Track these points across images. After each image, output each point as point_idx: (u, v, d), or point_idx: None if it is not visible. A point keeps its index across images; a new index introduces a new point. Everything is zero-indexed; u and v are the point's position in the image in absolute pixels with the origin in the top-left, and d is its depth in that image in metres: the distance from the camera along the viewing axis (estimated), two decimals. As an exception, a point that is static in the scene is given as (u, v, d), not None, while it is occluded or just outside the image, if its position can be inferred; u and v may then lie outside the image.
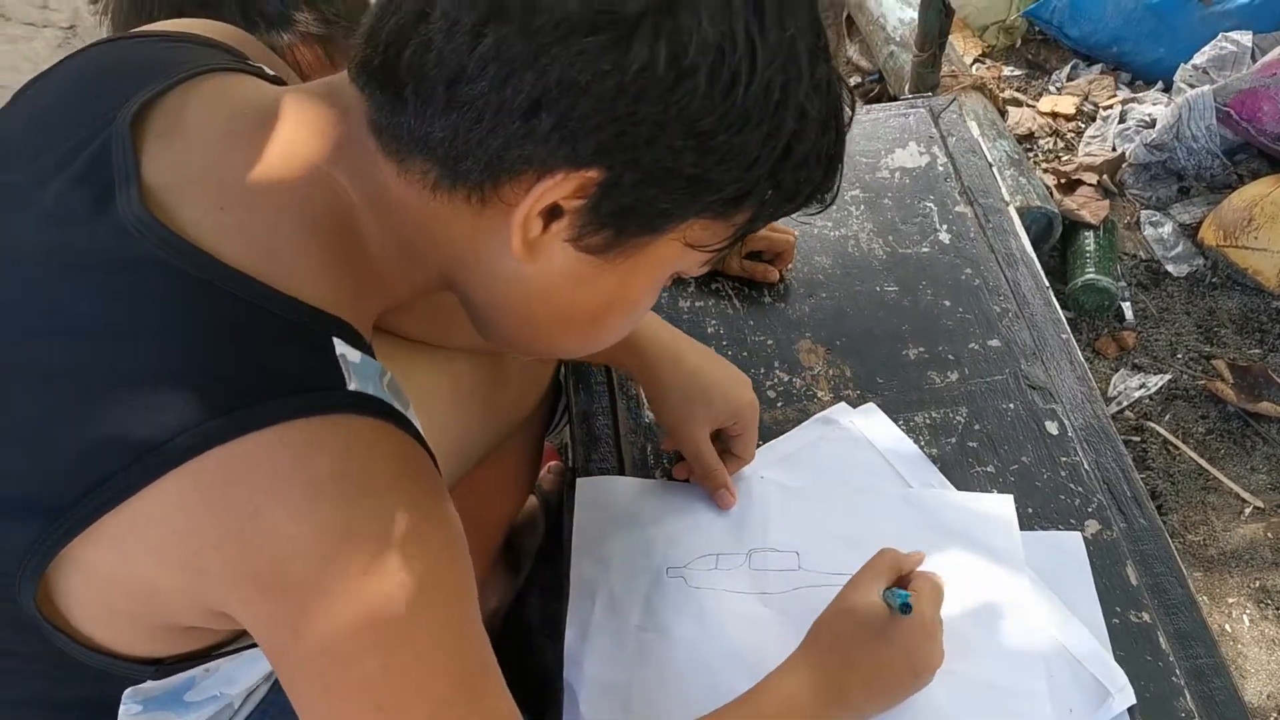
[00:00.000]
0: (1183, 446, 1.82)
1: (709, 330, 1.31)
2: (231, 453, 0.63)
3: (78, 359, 0.66)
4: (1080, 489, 1.16)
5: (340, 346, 0.69)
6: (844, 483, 1.16)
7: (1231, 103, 2.10)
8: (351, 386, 0.67)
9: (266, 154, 0.71)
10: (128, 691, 0.76)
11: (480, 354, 1.13)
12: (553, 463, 1.76)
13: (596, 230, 0.69)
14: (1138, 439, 1.84)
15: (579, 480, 1.17)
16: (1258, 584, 1.65)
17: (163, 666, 0.75)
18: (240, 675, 0.84)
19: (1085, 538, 1.11)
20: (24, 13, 2.91)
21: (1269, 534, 1.69)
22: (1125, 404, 1.88)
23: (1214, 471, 1.77)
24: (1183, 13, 2.28)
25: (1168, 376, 1.91)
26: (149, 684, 0.76)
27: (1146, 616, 1.06)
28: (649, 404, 1.16)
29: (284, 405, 0.64)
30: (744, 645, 1.04)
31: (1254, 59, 2.20)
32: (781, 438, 1.20)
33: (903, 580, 0.98)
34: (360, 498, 0.65)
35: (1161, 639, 1.04)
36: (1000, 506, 1.13)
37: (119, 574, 0.66)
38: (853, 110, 0.74)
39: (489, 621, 1.47)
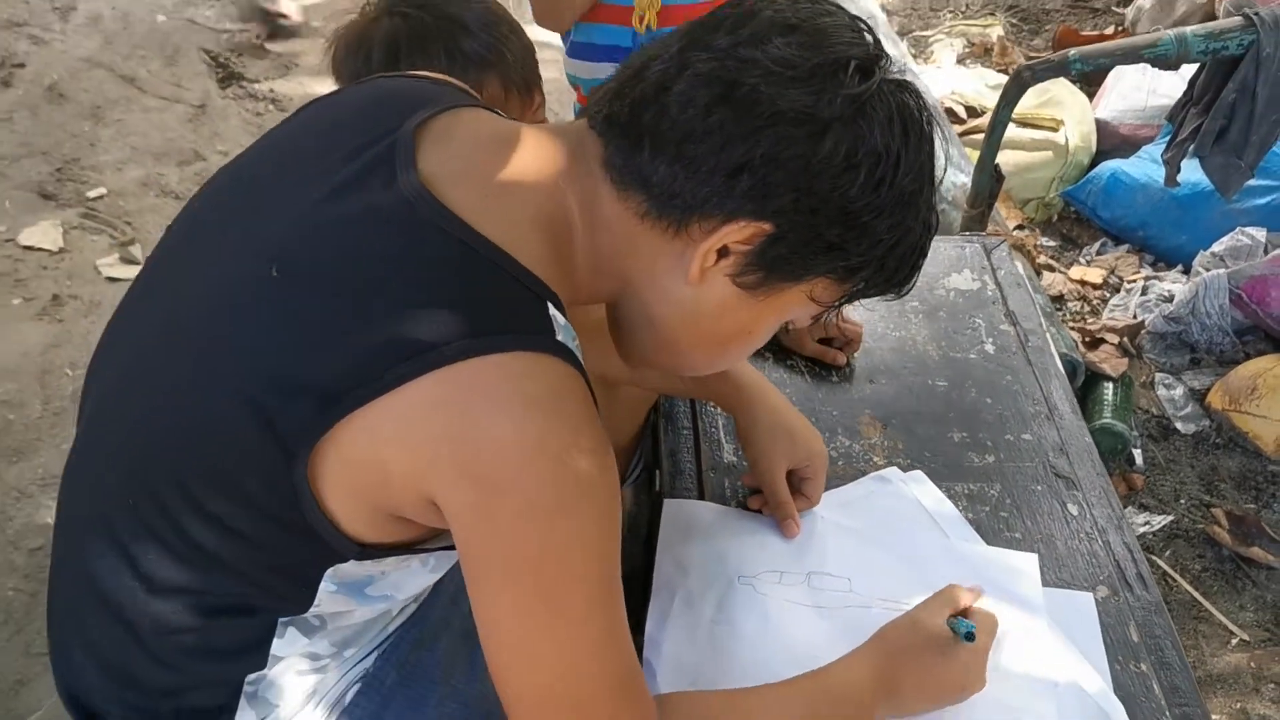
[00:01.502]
0: (1180, 580, 1.99)
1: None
2: (472, 367, 0.81)
3: (366, 284, 0.85)
4: (1095, 560, 1.34)
5: (553, 310, 0.88)
6: (892, 529, 1.35)
7: (1244, 287, 2.35)
8: (559, 338, 0.86)
9: (518, 165, 0.93)
10: (329, 570, 0.92)
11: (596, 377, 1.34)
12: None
13: (753, 271, 0.91)
14: (1140, 568, 2.02)
15: (666, 500, 1.36)
16: (1239, 706, 1.80)
17: (365, 550, 0.91)
18: (407, 584, 1.01)
19: (1095, 599, 1.29)
20: (160, 89, 3.22)
21: (1252, 664, 1.86)
22: (1130, 537, 2.07)
23: (1206, 604, 1.95)
24: (1205, 207, 2.55)
25: (1170, 518, 2.10)
26: (349, 565, 0.92)
27: (1144, 668, 1.23)
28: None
29: (514, 339, 0.83)
30: (799, 643, 1.21)
31: (1266, 252, 2.45)
32: (842, 488, 1.39)
33: (964, 612, 1.16)
34: (559, 419, 0.83)
35: (1155, 687, 1.22)
36: (1026, 562, 1.31)
37: (366, 455, 0.83)
38: (934, 231, 0.98)
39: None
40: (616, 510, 0.88)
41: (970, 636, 1.10)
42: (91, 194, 2.83)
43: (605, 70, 1.91)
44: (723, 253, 0.91)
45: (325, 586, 0.94)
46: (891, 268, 0.94)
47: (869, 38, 0.91)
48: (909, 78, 0.95)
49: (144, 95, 3.20)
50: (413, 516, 0.89)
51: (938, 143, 0.95)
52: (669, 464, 1.43)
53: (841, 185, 0.87)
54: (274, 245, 0.91)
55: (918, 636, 1.12)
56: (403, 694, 1.07)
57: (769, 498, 1.32)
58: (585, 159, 0.94)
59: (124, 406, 0.98)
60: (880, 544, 1.33)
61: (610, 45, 1.93)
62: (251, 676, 0.98)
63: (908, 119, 0.90)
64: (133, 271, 0.96)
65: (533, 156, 0.94)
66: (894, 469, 1.42)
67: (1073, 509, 1.40)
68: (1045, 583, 1.31)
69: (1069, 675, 1.20)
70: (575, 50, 1.96)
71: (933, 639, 1.11)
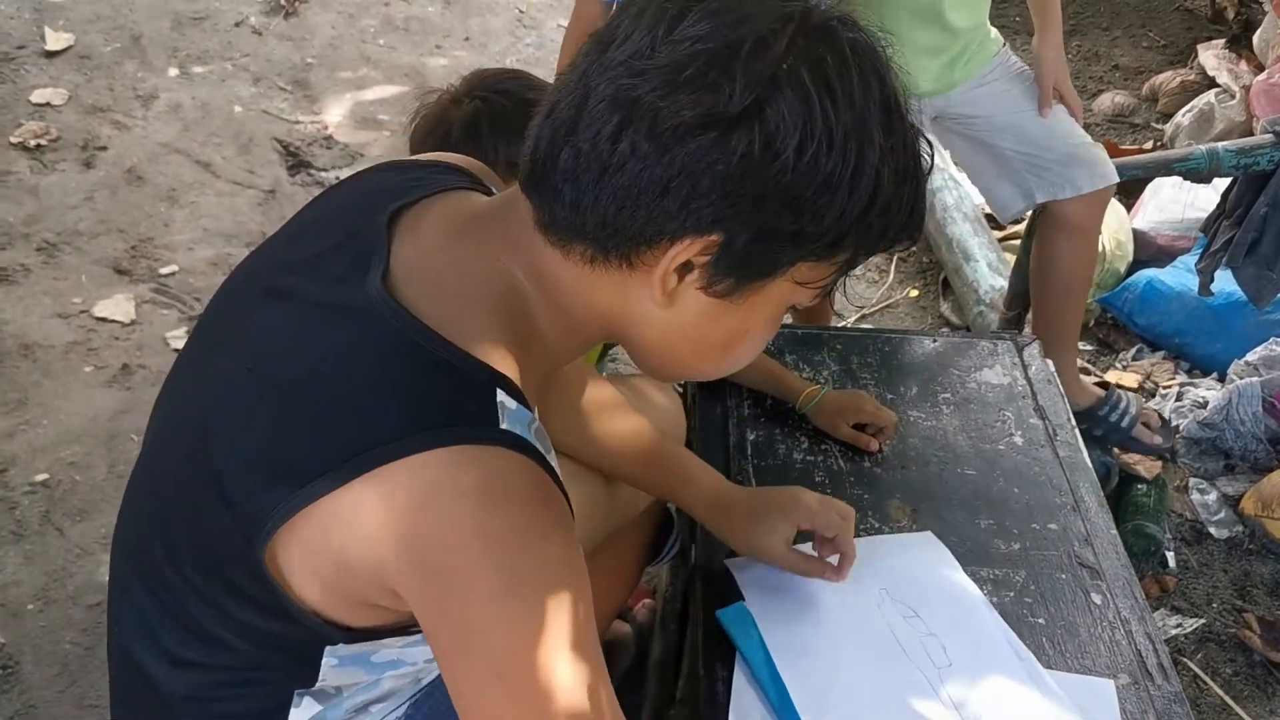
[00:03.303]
0: (1211, 683, 2.00)
1: (817, 479, 1.58)
2: (411, 464, 0.82)
3: (318, 386, 0.88)
4: (1116, 649, 1.38)
5: (501, 396, 0.87)
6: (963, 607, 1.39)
7: (1276, 395, 2.38)
8: (504, 426, 0.85)
9: (466, 251, 0.95)
10: (327, 649, 0.95)
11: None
12: (646, 599, 1.99)
13: (721, 279, 0.89)
14: (1170, 669, 2.03)
15: (728, 560, 1.41)
16: (1270, 811, 1.80)
17: (352, 633, 0.93)
18: (414, 652, 1.02)
19: (1116, 686, 1.33)
20: (232, 174, 3.37)
21: (1284, 769, 1.86)
22: (1162, 639, 2.08)
23: (1237, 709, 1.96)
24: (1239, 316, 2.59)
25: (1202, 621, 2.11)
26: (341, 646, 0.95)
27: (1163, 755, 1.26)
28: (728, 542, 1.37)
29: (451, 433, 0.83)
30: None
31: (1300, 362, 2.49)
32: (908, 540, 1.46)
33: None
34: (495, 507, 0.83)
35: (1174, 775, 1.25)
36: (1102, 690, 1.32)
37: (324, 549, 0.86)
38: (931, 160, 0.92)
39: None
40: (575, 589, 0.86)
41: None
42: (164, 271, 2.96)
43: None
44: (686, 269, 0.89)
45: (327, 662, 0.97)
46: (879, 227, 0.89)
47: None
48: (840, 8, 0.89)
49: (217, 180, 3.35)
50: (386, 605, 0.90)
51: (891, 75, 0.88)
52: (703, 532, 1.49)
53: (772, 175, 0.84)
54: (252, 344, 0.96)
55: None
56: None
57: (791, 570, 1.35)
58: (521, 226, 0.94)
59: (142, 480, 1.05)
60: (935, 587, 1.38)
61: None
62: None
63: (830, 74, 0.84)
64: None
65: (478, 239, 0.96)
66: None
67: (1096, 598, 1.44)
68: (1064, 668, 1.34)
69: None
70: None
71: None
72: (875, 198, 0.87)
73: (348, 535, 0.84)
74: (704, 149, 0.83)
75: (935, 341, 1.87)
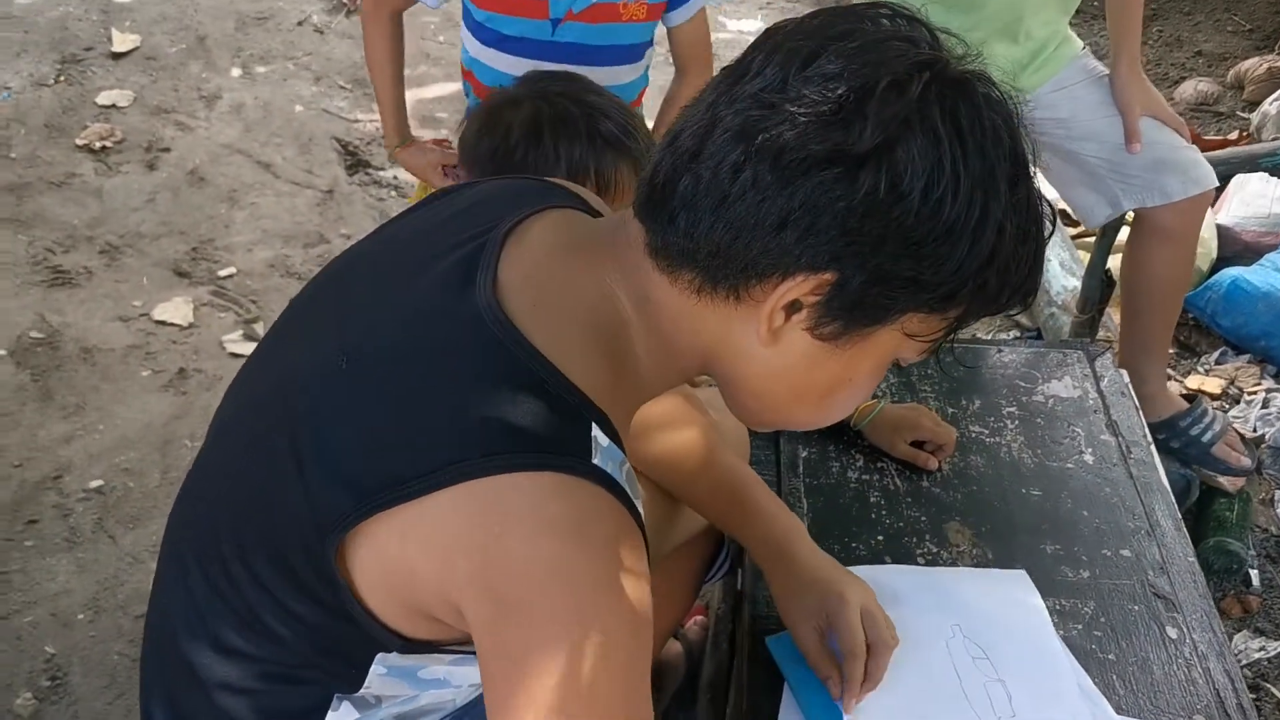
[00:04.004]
0: (1297, 711, 1.89)
1: (871, 500, 1.50)
2: (498, 484, 0.81)
3: (414, 389, 0.87)
4: (1192, 688, 1.28)
5: (595, 430, 0.86)
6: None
7: (1372, 403, 2.24)
8: (595, 460, 0.84)
9: (569, 270, 0.94)
10: (379, 655, 0.94)
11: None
12: (699, 617, 1.93)
13: (829, 321, 0.87)
14: (1253, 696, 1.91)
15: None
16: None
17: (408, 643, 0.92)
18: (462, 674, 1.00)
19: (1192, 730, 1.24)
20: (292, 174, 3.38)
21: (1376, 806, 1.74)
22: (1244, 662, 1.97)
23: (1326, 739, 1.84)
24: (1332, 318, 2.46)
25: (1289, 644, 1.99)
26: (394, 655, 0.93)
27: (1242, 807, 1.17)
28: (772, 594, 1.29)
29: (542, 459, 0.82)
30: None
31: (1396, 368, 2.35)
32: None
33: None
34: (576, 544, 0.81)
35: (1254, 828, 1.15)
36: None
37: (395, 554, 0.85)
38: (1053, 225, 0.90)
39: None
40: (639, 644, 0.84)
41: None
42: (222, 273, 2.97)
43: (514, 65, 1.90)
44: (793, 308, 0.87)
45: (375, 670, 0.95)
46: (995, 285, 0.87)
47: (918, 39, 0.85)
48: (979, 67, 0.87)
49: (277, 180, 3.35)
50: (446, 620, 0.89)
51: (1022, 135, 0.86)
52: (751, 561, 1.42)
53: (895, 218, 0.82)
54: (351, 337, 0.95)
55: None
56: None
57: (806, 657, 1.25)
58: (631, 250, 0.93)
59: (215, 458, 1.05)
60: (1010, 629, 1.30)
61: (521, 37, 1.92)
62: None
63: (962, 123, 0.82)
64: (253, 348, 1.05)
65: (585, 260, 0.95)
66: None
67: (1171, 632, 1.35)
68: (1134, 711, 1.26)
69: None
70: (483, 35, 1.96)
71: None
72: (996, 253, 0.85)
73: (422, 545, 0.83)
74: (828, 184, 0.81)
75: (1000, 351, 1.78)
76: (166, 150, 3.42)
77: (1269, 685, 1.94)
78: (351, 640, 0.93)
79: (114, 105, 3.59)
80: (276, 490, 0.92)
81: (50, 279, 2.89)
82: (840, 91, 0.82)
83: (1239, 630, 2.04)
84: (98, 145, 3.39)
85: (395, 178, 3.38)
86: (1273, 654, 1.98)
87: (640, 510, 0.89)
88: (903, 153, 0.81)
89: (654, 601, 1.50)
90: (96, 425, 2.45)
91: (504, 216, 0.98)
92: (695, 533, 1.51)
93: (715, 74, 0.91)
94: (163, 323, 2.78)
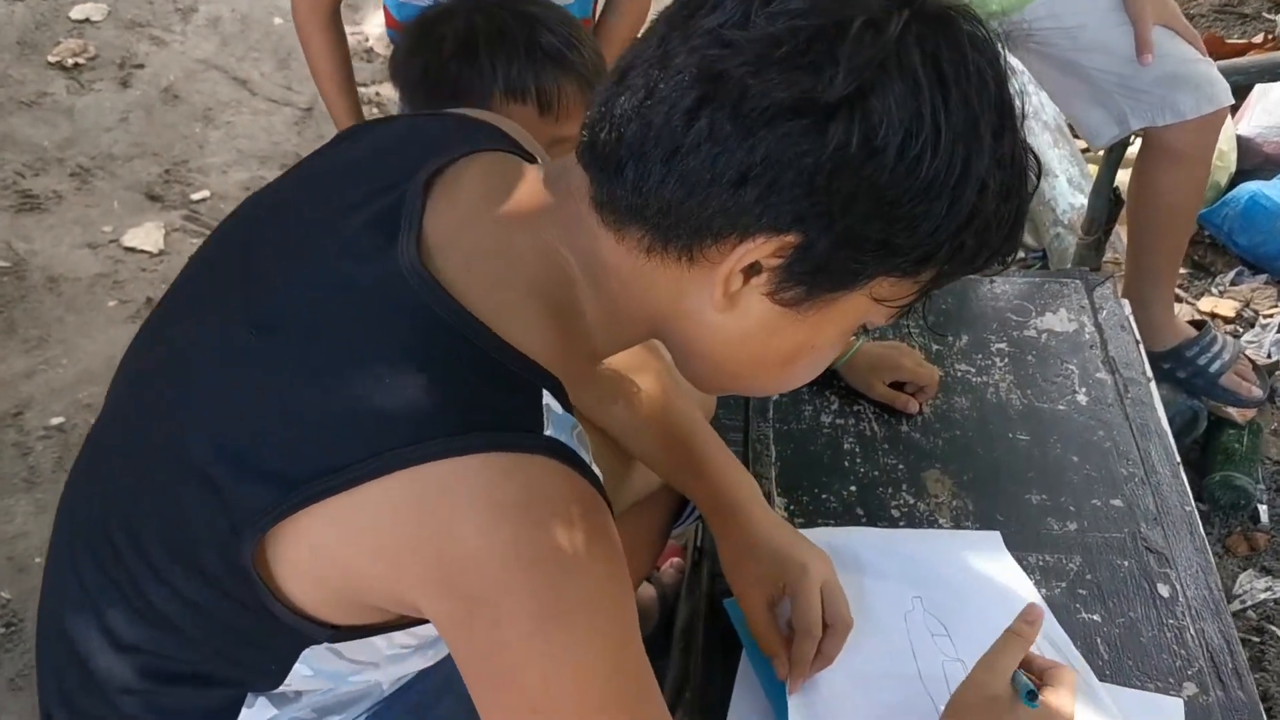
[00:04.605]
0: (1303, 655, 1.80)
1: (845, 447, 1.40)
2: (441, 470, 0.73)
3: (338, 366, 0.78)
4: (1184, 652, 1.19)
5: (547, 398, 0.79)
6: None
7: (1395, 328, 2.12)
8: (548, 433, 0.77)
9: (507, 226, 0.85)
10: (305, 652, 0.86)
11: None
12: (675, 559, 1.85)
13: (791, 286, 0.79)
14: (1257, 640, 1.83)
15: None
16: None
17: (340, 632, 0.85)
18: (394, 670, 0.94)
19: (1182, 698, 1.15)
20: (270, 90, 3.24)
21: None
22: (1249, 603, 1.88)
23: (1332, 685, 1.75)
24: (1356, 236, 2.32)
25: (1296, 584, 1.90)
26: (323, 650, 0.86)
27: (1231, 786, 1.09)
28: (720, 560, 1.19)
29: (490, 438, 0.74)
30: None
31: None
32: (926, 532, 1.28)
33: (1034, 664, 1.02)
34: (537, 525, 0.74)
35: (1243, 809, 1.07)
36: (1168, 709, 1.14)
37: (331, 549, 0.78)
38: (1038, 179, 0.82)
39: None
40: (620, 614, 0.79)
41: (1033, 695, 0.96)
42: (195, 196, 2.86)
43: None
44: (752, 271, 0.79)
45: (299, 669, 0.88)
46: (972, 247, 0.79)
47: None
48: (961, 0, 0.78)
49: (254, 98, 3.22)
50: (396, 612, 0.83)
51: (1010, 78, 0.78)
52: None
53: (867, 175, 0.73)
54: (259, 307, 0.85)
55: (983, 704, 0.98)
56: (387, 762, 1.00)
57: (752, 629, 1.16)
58: (573, 202, 0.84)
59: (105, 441, 0.95)
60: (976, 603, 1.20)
61: None
62: None
63: (945, 68, 0.74)
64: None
65: (522, 213, 0.86)
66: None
67: (1163, 590, 1.25)
68: (1123, 678, 1.17)
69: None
70: None
71: (999, 704, 0.97)
72: (976, 213, 0.77)
73: (361, 541, 0.76)
74: (793, 137, 0.73)
75: (993, 282, 1.66)
76: (140, 66, 3.29)
77: (1274, 628, 1.84)
78: (271, 636, 0.85)
79: (87, 19, 3.45)
80: (178, 480, 0.83)
81: (19, 204, 2.79)
82: (809, 31, 0.73)
83: (1244, 570, 1.94)
84: (70, 62, 3.27)
85: (378, 94, 3.24)
86: (1280, 595, 1.89)
87: (598, 474, 0.82)
88: (878, 102, 0.72)
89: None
90: (60, 359, 2.37)
91: (424, 162, 0.88)
92: (658, 485, 1.42)
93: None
94: (132, 249, 2.68)
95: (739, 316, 0.82)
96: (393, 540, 0.76)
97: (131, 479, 0.89)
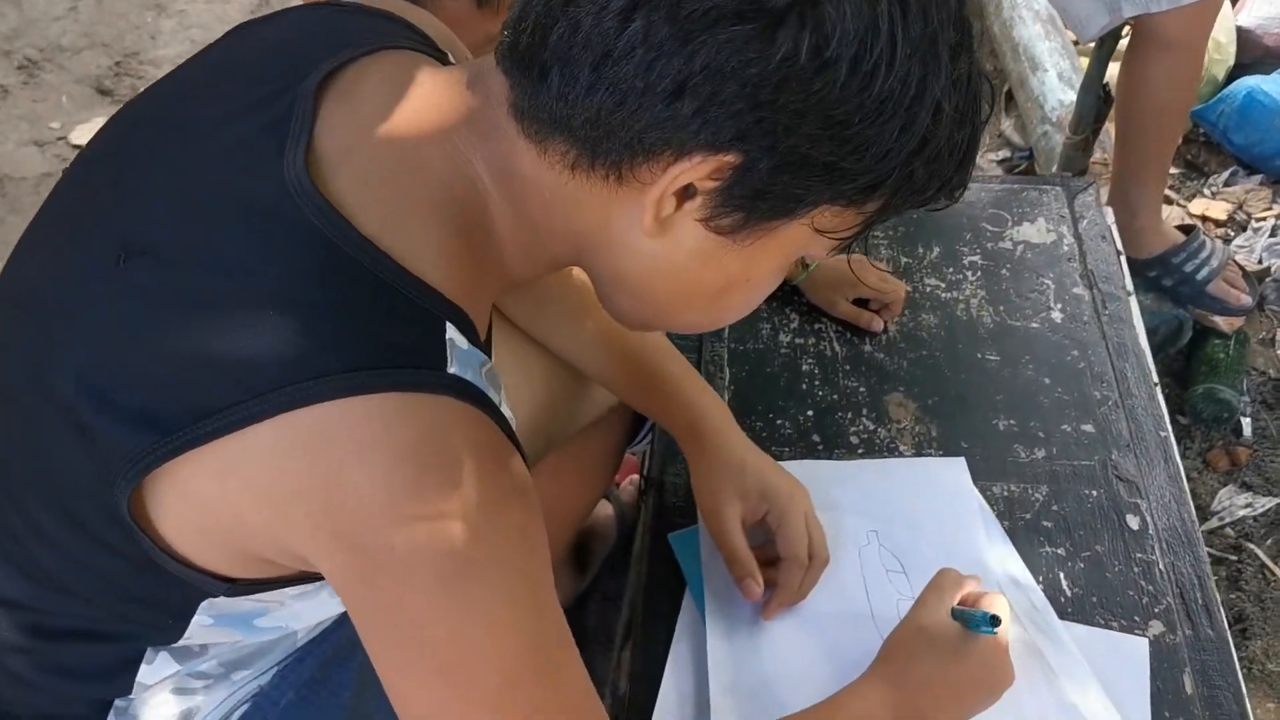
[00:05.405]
0: (1280, 574, 1.75)
1: (804, 368, 1.32)
2: (329, 412, 0.66)
3: (216, 295, 0.70)
4: (1150, 588, 1.13)
5: (451, 332, 0.72)
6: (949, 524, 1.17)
7: (1392, 233, 2.02)
8: (451, 370, 0.70)
9: (413, 136, 0.75)
10: (203, 603, 0.80)
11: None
12: (634, 475, 1.79)
13: (728, 212, 0.72)
14: (1234, 558, 1.78)
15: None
16: (1333, 728, 1.58)
17: (236, 586, 0.78)
18: (307, 614, 0.88)
19: (1148, 638, 1.09)
20: (224, -24, 3.10)
21: (1356, 676, 1.62)
22: (1227, 520, 1.82)
23: (1310, 605, 1.71)
24: (1356, 135, 2.21)
25: (1277, 500, 1.84)
26: (221, 600, 0.80)
27: (1195, 728, 1.03)
28: (691, 481, 1.13)
29: (384, 377, 0.67)
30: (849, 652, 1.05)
31: None
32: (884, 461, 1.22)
33: (966, 600, 0.99)
34: (436, 471, 0.68)
35: (1207, 754, 1.02)
36: (1130, 649, 1.09)
37: (213, 498, 0.70)
38: (991, 107, 0.76)
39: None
40: (536, 572, 0.74)
41: (996, 620, 0.92)
42: (146, 90, 2.75)
43: None
44: (687, 194, 0.72)
45: (199, 620, 0.81)
46: (922, 176, 0.72)
47: None
48: None
49: (208, -17, 3.08)
50: (289, 565, 0.76)
51: None
52: (661, 444, 1.26)
53: (816, 91, 0.67)
54: (132, 227, 0.76)
55: (923, 642, 0.95)
56: (297, 718, 0.94)
57: (718, 547, 1.10)
58: (491, 109, 0.75)
59: None
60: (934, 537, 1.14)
61: None
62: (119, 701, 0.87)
63: None
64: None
65: (433, 120, 0.76)
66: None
67: (1133, 522, 1.19)
68: (1087, 616, 1.11)
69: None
70: None
71: (941, 641, 0.94)
72: (928, 139, 0.70)
73: (248, 488, 0.69)
74: (737, 45, 0.66)
75: (968, 190, 1.56)
76: (90, -51, 3.14)
77: (1253, 545, 1.79)
78: (164, 590, 0.78)
79: (35, -99, 3.28)
80: (44, 424, 0.76)
81: (-35, 99, 2.68)
82: None
83: (1224, 485, 1.88)
84: (16, -53, 3.11)
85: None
86: (1260, 511, 1.83)
87: (507, 411, 0.75)
88: (831, 9, 0.66)
89: (559, 487, 1.35)
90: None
91: (318, 63, 0.78)
92: (613, 404, 1.34)
93: None
94: (80, 147, 2.57)
95: (670, 244, 0.75)
96: (279, 489, 0.68)
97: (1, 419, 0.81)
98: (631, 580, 1.42)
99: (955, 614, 0.95)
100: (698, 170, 0.69)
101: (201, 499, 0.71)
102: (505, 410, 0.76)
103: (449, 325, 0.71)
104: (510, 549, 0.71)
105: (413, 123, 0.76)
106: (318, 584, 0.84)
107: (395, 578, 0.69)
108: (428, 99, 0.77)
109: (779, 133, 0.68)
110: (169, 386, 0.70)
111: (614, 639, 1.49)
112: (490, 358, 0.77)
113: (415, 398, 0.68)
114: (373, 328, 0.69)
